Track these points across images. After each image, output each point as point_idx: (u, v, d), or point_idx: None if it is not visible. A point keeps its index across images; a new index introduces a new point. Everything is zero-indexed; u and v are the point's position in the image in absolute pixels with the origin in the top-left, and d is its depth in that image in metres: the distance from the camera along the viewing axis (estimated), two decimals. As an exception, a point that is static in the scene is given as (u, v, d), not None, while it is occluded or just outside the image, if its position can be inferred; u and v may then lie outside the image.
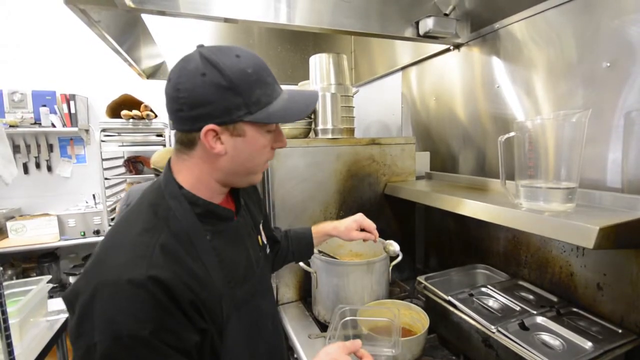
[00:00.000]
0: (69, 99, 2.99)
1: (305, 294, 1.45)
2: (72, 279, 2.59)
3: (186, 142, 0.66)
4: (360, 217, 1.10)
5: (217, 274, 0.67)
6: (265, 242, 0.92)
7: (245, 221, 0.82)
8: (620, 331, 0.90)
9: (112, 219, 2.78)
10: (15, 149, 3.10)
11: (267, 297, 0.87)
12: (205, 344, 0.62)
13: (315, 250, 1.27)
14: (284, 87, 0.72)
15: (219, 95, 0.61)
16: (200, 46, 0.64)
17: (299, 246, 1.09)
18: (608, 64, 0.98)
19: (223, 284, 0.67)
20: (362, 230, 1.09)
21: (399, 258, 1.26)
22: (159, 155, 2.22)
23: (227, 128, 0.63)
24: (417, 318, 1.11)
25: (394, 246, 1.14)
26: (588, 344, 0.85)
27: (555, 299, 1.09)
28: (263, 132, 0.68)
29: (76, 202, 3.18)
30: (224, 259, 0.69)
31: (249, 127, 0.65)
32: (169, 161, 0.71)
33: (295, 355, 1.17)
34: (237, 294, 0.70)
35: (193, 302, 0.59)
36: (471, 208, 1.05)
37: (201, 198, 0.68)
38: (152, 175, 3.31)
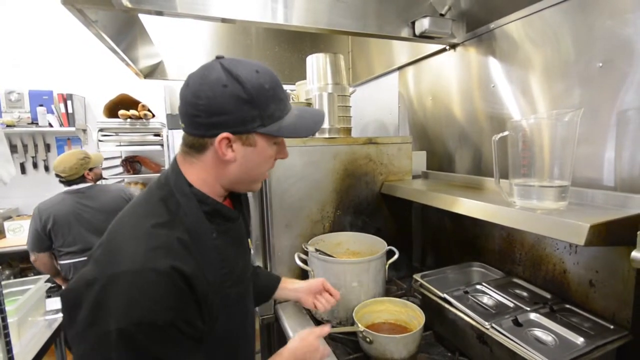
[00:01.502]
0: (66, 98, 2.99)
1: (303, 293, 1.46)
2: (70, 279, 2.58)
3: (197, 146, 0.69)
4: (323, 281, 1.13)
5: (217, 272, 0.69)
6: (251, 247, 0.95)
7: (242, 224, 0.85)
8: (612, 327, 0.92)
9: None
10: (13, 148, 3.10)
11: (252, 300, 0.91)
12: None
13: (312, 249, 1.29)
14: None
15: (238, 106, 0.64)
16: (220, 57, 0.68)
17: (261, 287, 1.09)
18: (601, 64, 0.99)
19: (220, 282, 0.70)
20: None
21: (396, 256, 1.28)
22: (60, 160, 2.09)
23: (240, 137, 0.67)
24: (413, 315, 1.12)
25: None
26: (580, 340, 0.87)
27: (548, 295, 1.10)
28: (271, 144, 0.72)
29: (74, 202, 3.18)
30: (225, 259, 0.72)
31: (260, 138, 0.69)
32: (175, 161, 0.73)
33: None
34: (230, 293, 0.73)
35: (203, 295, 0.63)
36: (466, 206, 1.06)
37: (210, 197, 0.71)
38: (150, 175, 3.34)
